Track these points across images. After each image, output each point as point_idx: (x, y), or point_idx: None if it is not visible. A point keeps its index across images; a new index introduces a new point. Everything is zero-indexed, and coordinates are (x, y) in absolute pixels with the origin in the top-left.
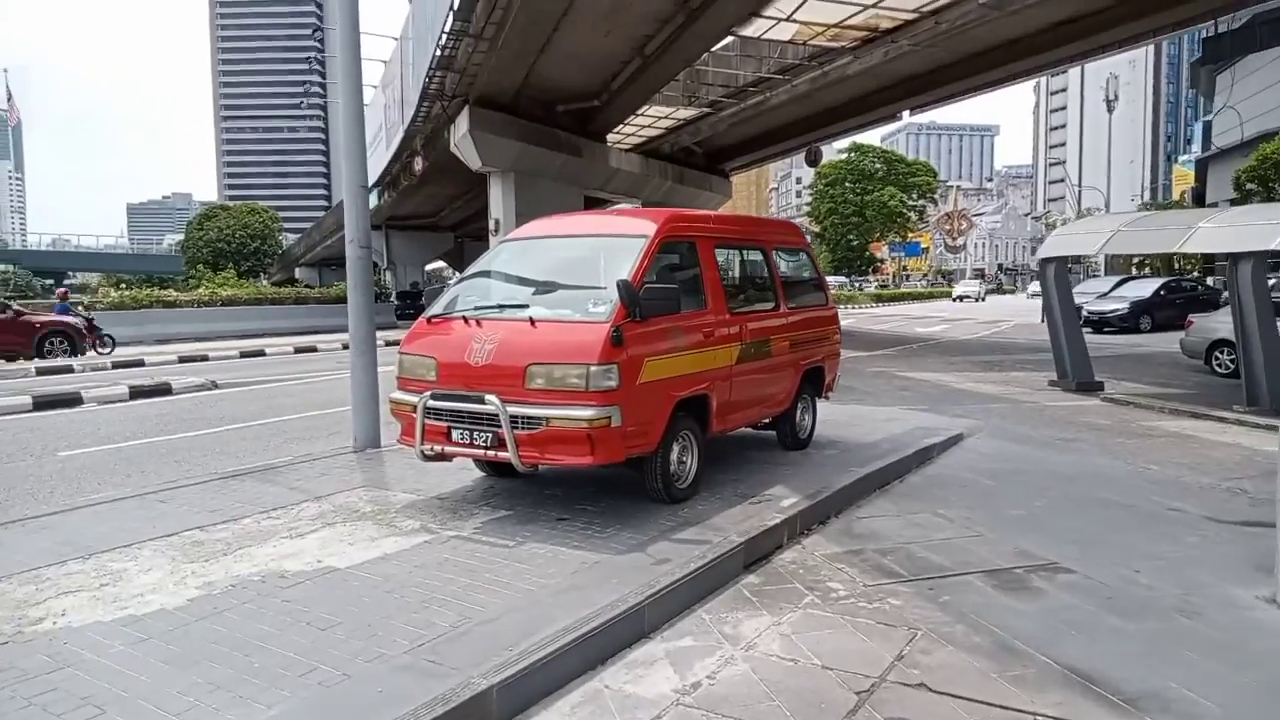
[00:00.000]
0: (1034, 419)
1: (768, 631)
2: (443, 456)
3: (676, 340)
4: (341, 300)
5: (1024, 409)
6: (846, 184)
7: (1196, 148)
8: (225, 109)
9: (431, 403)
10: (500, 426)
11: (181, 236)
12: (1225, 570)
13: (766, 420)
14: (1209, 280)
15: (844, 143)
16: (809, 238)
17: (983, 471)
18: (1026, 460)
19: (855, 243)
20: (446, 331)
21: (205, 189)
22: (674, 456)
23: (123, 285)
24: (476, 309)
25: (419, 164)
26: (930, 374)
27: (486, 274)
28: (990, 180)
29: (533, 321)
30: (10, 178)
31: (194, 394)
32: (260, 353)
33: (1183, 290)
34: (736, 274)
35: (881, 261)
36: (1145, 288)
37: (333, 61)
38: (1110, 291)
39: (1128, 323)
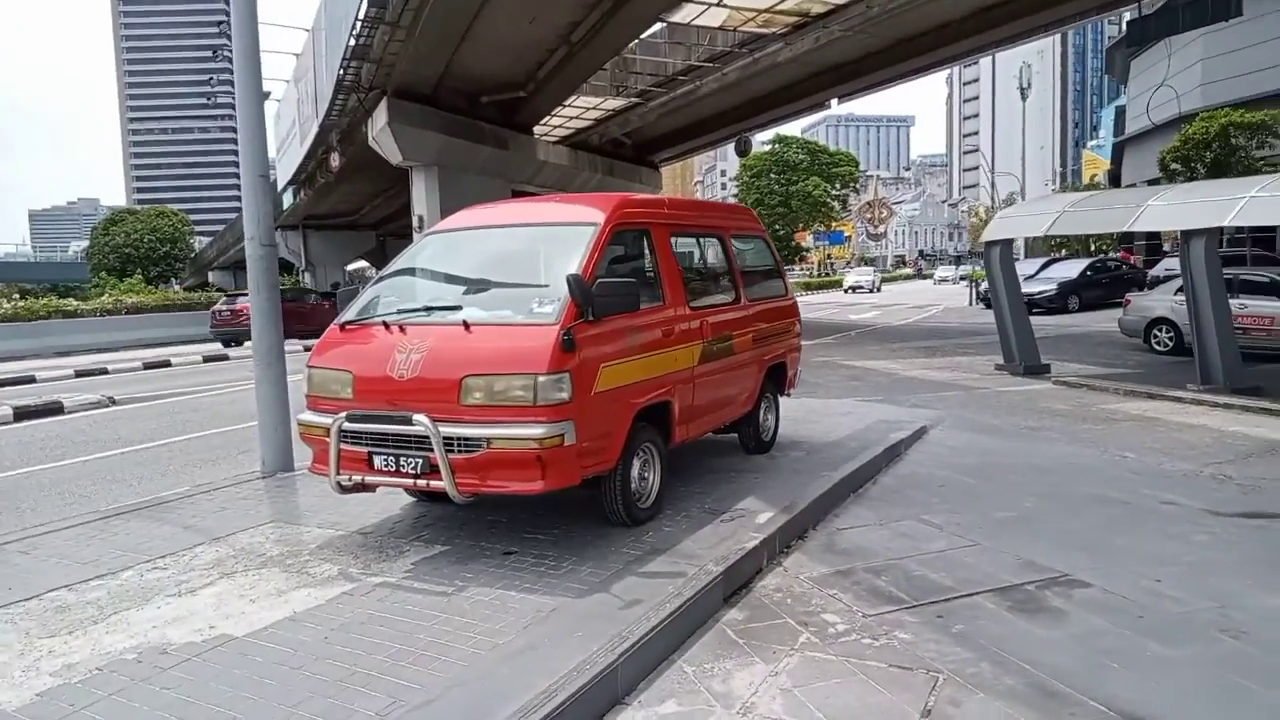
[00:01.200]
0: (993, 406)
1: (764, 685)
2: (364, 487)
3: (634, 341)
4: None
5: (979, 396)
6: (772, 175)
7: (1104, 133)
8: (132, 110)
9: (348, 425)
10: (432, 450)
11: (88, 243)
12: (1250, 575)
13: (727, 423)
14: (1131, 259)
15: (768, 134)
16: None
17: (957, 468)
18: (998, 453)
19: (781, 233)
20: (364, 340)
21: (114, 194)
22: (635, 473)
23: (19, 296)
24: (399, 313)
25: (335, 160)
26: (875, 362)
27: (410, 272)
28: (908, 169)
29: (467, 325)
30: None
31: (88, 412)
32: (165, 363)
33: (1108, 270)
34: (694, 265)
35: (807, 251)
36: (1072, 268)
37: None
38: (1037, 273)
39: (1056, 303)
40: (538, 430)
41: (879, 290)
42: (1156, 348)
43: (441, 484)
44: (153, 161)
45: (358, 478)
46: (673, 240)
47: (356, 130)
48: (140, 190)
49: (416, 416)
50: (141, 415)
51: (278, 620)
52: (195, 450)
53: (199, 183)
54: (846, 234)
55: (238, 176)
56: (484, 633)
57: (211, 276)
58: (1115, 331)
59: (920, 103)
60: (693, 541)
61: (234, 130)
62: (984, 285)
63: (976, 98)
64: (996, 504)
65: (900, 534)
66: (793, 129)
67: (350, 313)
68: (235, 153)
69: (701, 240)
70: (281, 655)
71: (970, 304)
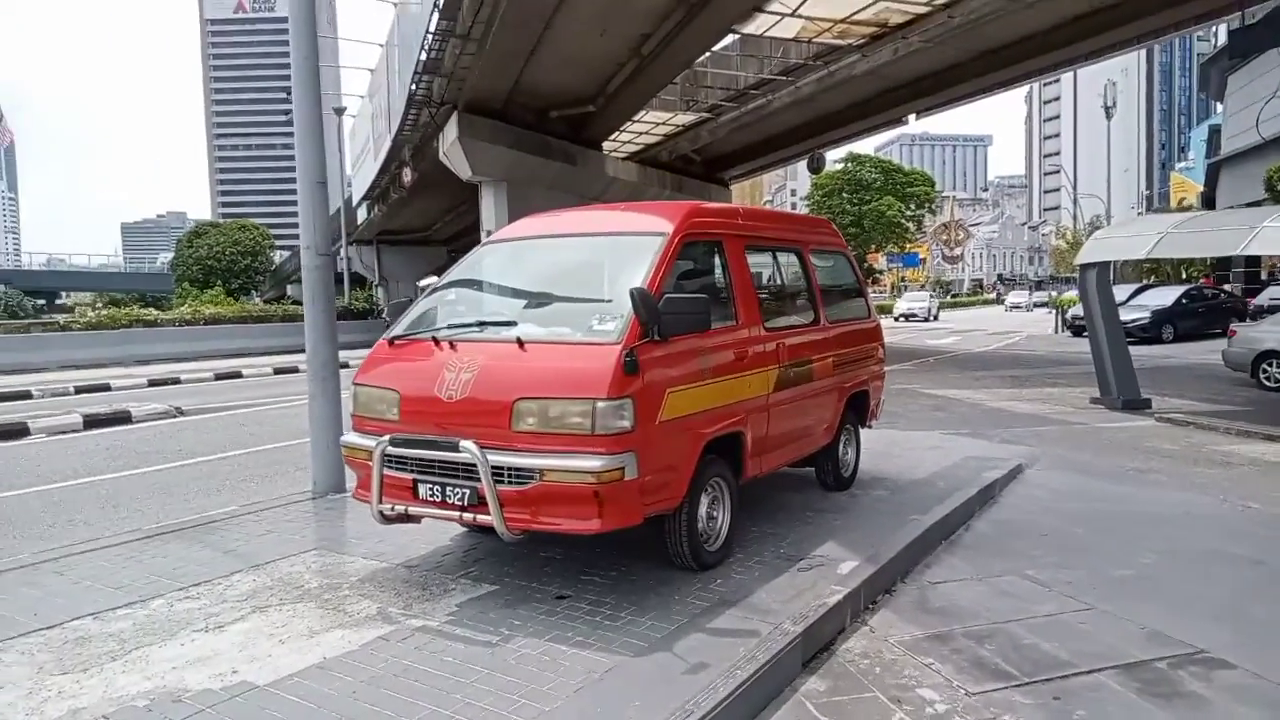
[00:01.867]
0: (1092, 444)
1: None
2: (408, 518)
3: (705, 364)
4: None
5: (1076, 432)
6: (843, 194)
7: (1194, 155)
8: (218, 127)
9: (391, 449)
10: (480, 480)
11: (173, 255)
12: None
13: (804, 456)
14: (1226, 287)
15: (840, 153)
16: None
17: (1061, 514)
18: (1105, 498)
19: (853, 254)
20: (412, 357)
21: (200, 207)
22: (702, 512)
23: (100, 306)
24: (451, 328)
25: (408, 175)
26: (959, 391)
27: (465, 284)
28: (985, 190)
29: (521, 343)
30: (3, 198)
31: (155, 422)
32: (237, 374)
33: (1205, 298)
34: (770, 281)
35: (880, 273)
36: (1167, 295)
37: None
38: (1129, 300)
39: (1150, 332)
40: (595, 463)
41: (936, 319)
42: (1266, 383)
43: (489, 518)
44: (236, 176)
45: (401, 507)
46: (747, 254)
47: (428, 145)
48: (225, 204)
49: (463, 443)
50: (207, 426)
51: (305, 668)
52: (254, 465)
53: (281, 198)
54: (921, 256)
55: None
56: (528, 695)
57: (290, 289)
58: (1217, 364)
59: (998, 122)
60: (766, 593)
61: None
62: (1070, 312)
63: (1057, 117)
64: (1110, 559)
65: (1002, 591)
66: (866, 147)
67: (400, 327)
68: None
69: (778, 255)
70: (303, 712)
71: (1056, 331)
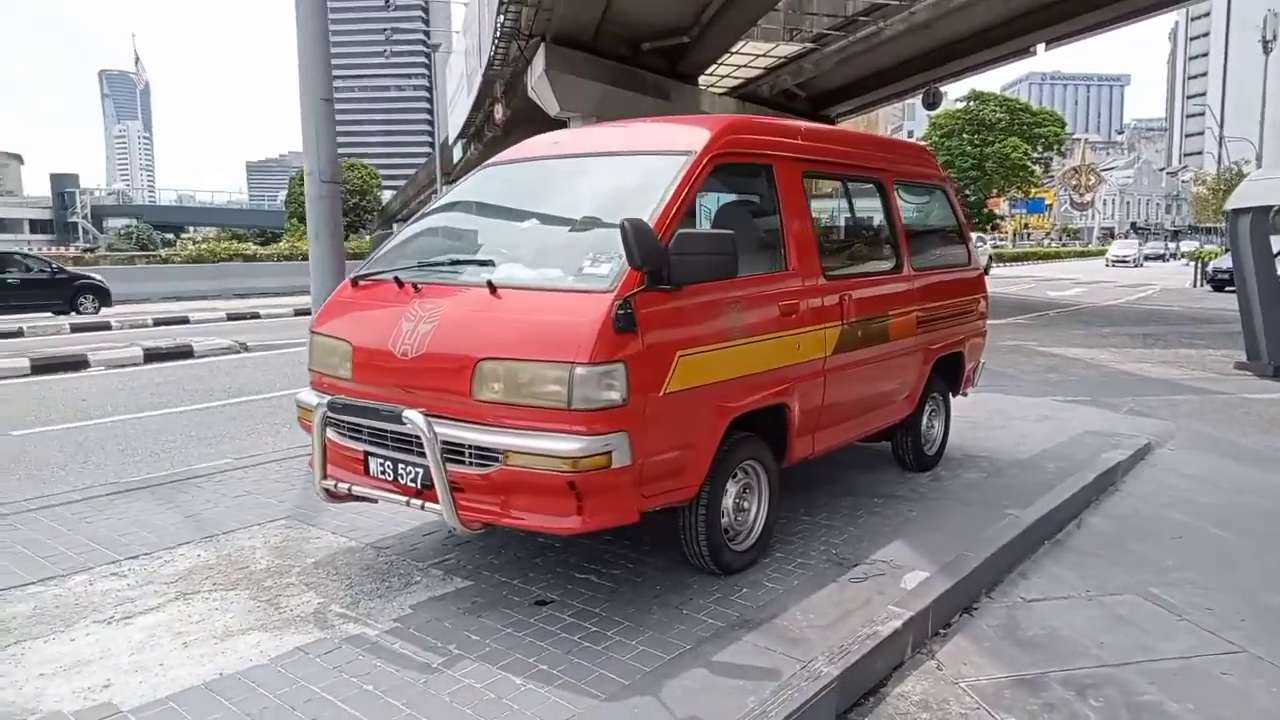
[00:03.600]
0: (1239, 419)
1: None
2: (356, 496)
3: (734, 321)
4: None
5: (1219, 403)
6: (964, 135)
7: None
8: (333, 67)
9: (331, 414)
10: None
11: (286, 192)
12: None
13: (876, 430)
14: None
15: (962, 90)
16: None
17: (1200, 510)
18: (1256, 490)
19: (972, 199)
20: (371, 302)
21: None
22: (729, 504)
23: (200, 240)
24: (420, 267)
25: (500, 112)
26: (1079, 350)
27: (453, 212)
28: (1120, 133)
29: (494, 288)
30: (140, 137)
31: (215, 358)
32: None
33: None
34: (838, 218)
35: (1001, 219)
36: None
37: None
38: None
39: None
40: (571, 445)
41: (988, 272)
42: None
43: (440, 506)
44: (350, 117)
45: (346, 485)
46: (807, 183)
47: (519, 81)
48: (340, 144)
49: (407, 412)
50: (266, 364)
51: (188, 687)
52: (294, 408)
53: (393, 138)
54: (1048, 201)
55: (428, 134)
56: None
57: (395, 228)
58: None
59: (1136, 61)
60: (801, 611)
61: (426, 90)
62: (1211, 265)
63: (1205, 54)
64: (1265, 577)
65: (1118, 617)
66: (991, 85)
67: (368, 264)
68: (426, 110)
69: (851, 185)
70: None
71: (1194, 285)
